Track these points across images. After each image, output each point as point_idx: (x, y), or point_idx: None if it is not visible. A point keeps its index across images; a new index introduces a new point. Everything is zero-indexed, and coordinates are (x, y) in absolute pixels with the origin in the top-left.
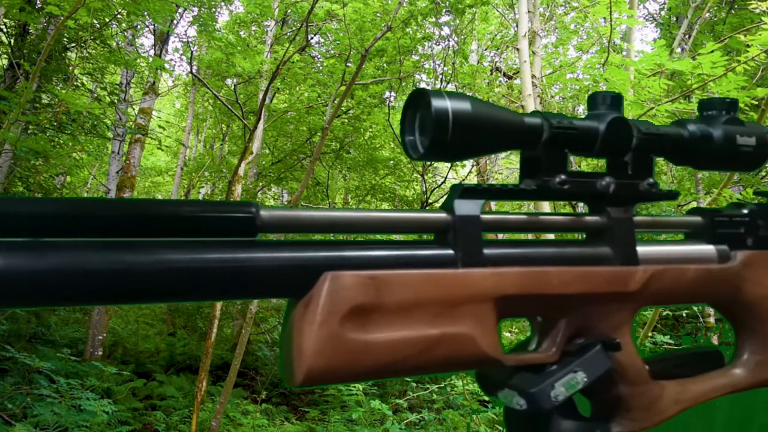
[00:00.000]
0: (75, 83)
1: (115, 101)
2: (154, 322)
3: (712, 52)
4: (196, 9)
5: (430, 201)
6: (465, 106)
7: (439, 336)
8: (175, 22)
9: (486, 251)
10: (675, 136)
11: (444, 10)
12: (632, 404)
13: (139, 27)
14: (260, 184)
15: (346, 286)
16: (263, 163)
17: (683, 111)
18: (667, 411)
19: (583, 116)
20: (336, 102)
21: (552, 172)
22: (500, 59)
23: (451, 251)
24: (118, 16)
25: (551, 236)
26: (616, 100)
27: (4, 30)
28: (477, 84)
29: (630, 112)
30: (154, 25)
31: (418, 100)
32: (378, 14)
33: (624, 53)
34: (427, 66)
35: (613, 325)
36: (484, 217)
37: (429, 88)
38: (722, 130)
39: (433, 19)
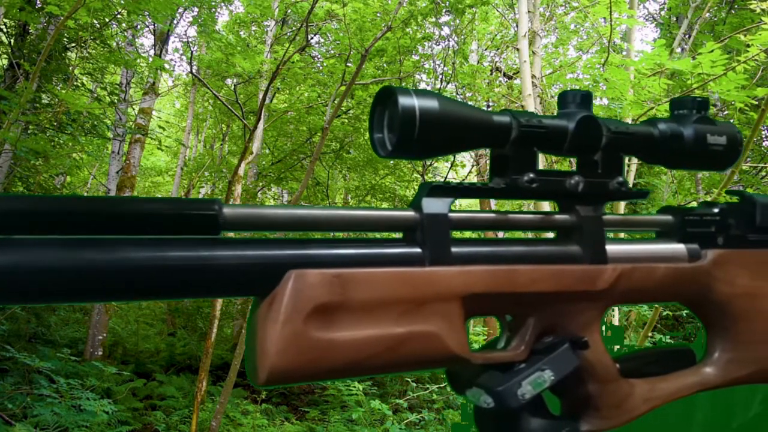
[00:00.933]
0: (75, 83)
1: (115, 101)
2: (154, 322)
3: (712, 51)
4: (196, 9)
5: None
6: (432, 103)
7: (405, 334)
8: (175, 22)
9: (454, 249)
10: (645, 135)
11: (444, 10)
12: (601, 402)
13: (139, 27)
14: (260, 184)
15: (310, 285)
16: (263, 163)
17: None
18: (637, 409)
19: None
20: (336, 102)
21: (520, 171)
22: (500, 59)
23: (418, 249)
24: (118, 16)
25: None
26: (586, 98)
27: (4, 30)
28: (477, 84)
29: (630, 112)
30: (154, 25)
31: (386, 97)
32: (378, 14)
33: (624, 53)
34: (427, 66)
35: (582, 323)
36: (453, 215)
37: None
38: (693, 129)
39: (433, 19)
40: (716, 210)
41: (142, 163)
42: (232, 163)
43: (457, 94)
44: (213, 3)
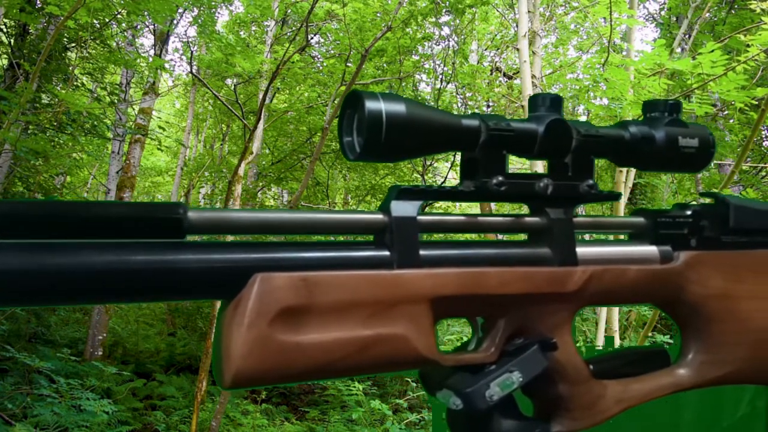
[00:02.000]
0: (75, 83)
1: (115, 101)
2: (154, 322)
3: (712, 51)
4: (196, 9)
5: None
6: (399, 107)
7: (373, 337)
8: (175, 22)
9: (423, 252)
10: (615, 137)
11: (444, 10)
12: (572, 404)
13: (139, 27)
14: (260, 184)
15: (276, 288)
16: (263, 163)
17: (683, 111)
18: (609, 410)
19: (523, 118)
20: (336, 102)
21: (490, 174)
22: (500, 59)
23: (387, 252)
24: (118, 16)
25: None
26: (555, 102)
27: (4, 30)
28: (477, 84)
29: (630, 112)
30: (154, 25)
31: (354, 102)
32: (378, 14)
33: (624, 53)
34: (427, 66)
35: (553, 325)
36: (422, 218)
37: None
38: (664, 131)
39: (433, 19)
40: (689, 212)
41: (142, 163)
42: (232, 163)
43: (457, 94)
44: (213, 3)
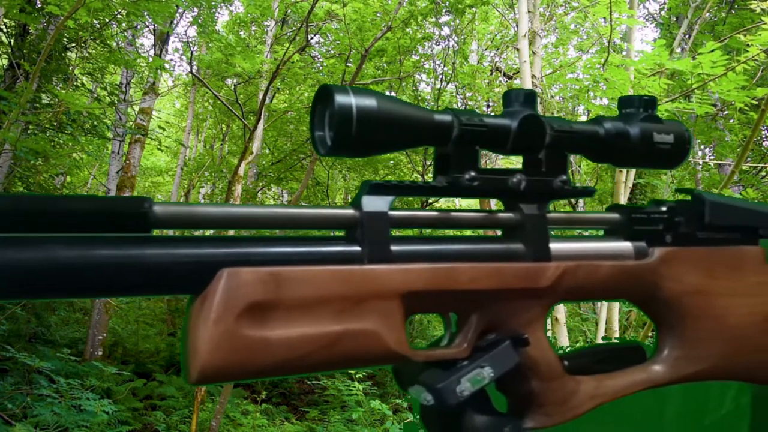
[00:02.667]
0: (75, 83)
1: (115, 101)
2: (154, 322)
3: (712, 51)
4: (196, 9)
5: (429, 201)
6: (370, 102)
7: (342, 332)
8: (175, 22)
9: (394, 247)
10: (590, 133)
11: (444, 10)
12: (545, 399)
13: (139, 27)
14: (260, 184)
15: (243, 283)
16: (263, 163)
17: (683, 111)
18: (583, 406)
19: (497, 114)
20: None
21: (462, 169)
22: (500, 59)
23: (357, 248)
24: (118, 16)
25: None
26: (529, 97)
27: (4, 30)
28: (477, 84)
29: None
30: (154, 25)
31: (325, 96)
32: (378, 14)
33: (624, 53)
34: (427, 66)
35: (526, 320)
36: (393, 213)
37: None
38: (639, 127)
39: (433, 19)
40: (664, 208)
41: (142, 163)
42: (232, 163)
43: (457, 94)
44: (213, 3)
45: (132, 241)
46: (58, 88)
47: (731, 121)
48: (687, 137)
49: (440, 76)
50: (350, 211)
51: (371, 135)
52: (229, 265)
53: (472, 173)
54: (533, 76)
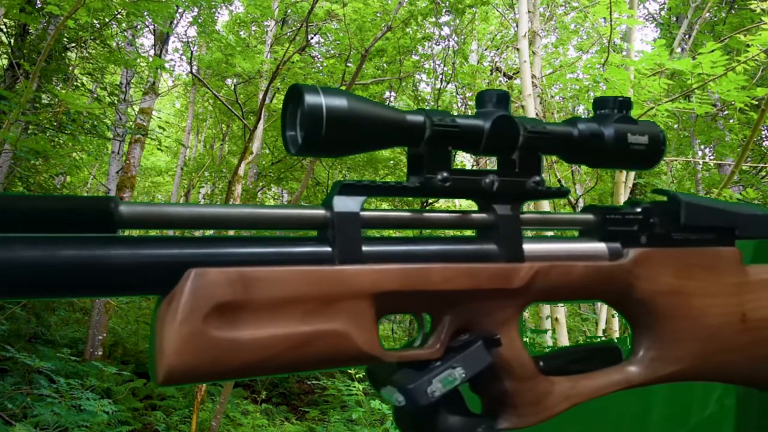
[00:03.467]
0: (75, 83)
1: (115, 101)
2: None
3: (712, 51)
4: (196, 9)
5: (429, 201)
6: (340, 102)
7: (312, 333)
8: (175, 22)
9: (365, 248)
10: (563, 134)
11: (444, 10)
12: (519, 400)
13: (139, 27)
14: (260, 184)
15: (211, 283)
16: (263, 163)
17: (683, 111)
18: (557, 407)
19: (471, 114)
20: None
21: (434, 170)
22: (500, 59)
23: (328, 248)
24: (118, 16)
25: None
26: (502, 98)
27: (4, 30)
28: (477, 84)
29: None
30: (154, 25)
31: (295, 96)
32: (378, 14)
33: (624, 53)
34: (427, 66)
35: (499, 321)
36: (365, 213)
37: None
38: (613, 128)
39: (433, 19)
40: (639, 209)
41: (142, 163)
42: (232, 163)
43: (457, 94)
44: (213, 3)
45: (97, 242)
46: (58, 88)
47: (731, 121)
48: (661, 138)
49: (440, 76)
50: (321, 212)
51: (341, 135)
52: (196, 265)
53: (445, 174)
54: (533, 76)
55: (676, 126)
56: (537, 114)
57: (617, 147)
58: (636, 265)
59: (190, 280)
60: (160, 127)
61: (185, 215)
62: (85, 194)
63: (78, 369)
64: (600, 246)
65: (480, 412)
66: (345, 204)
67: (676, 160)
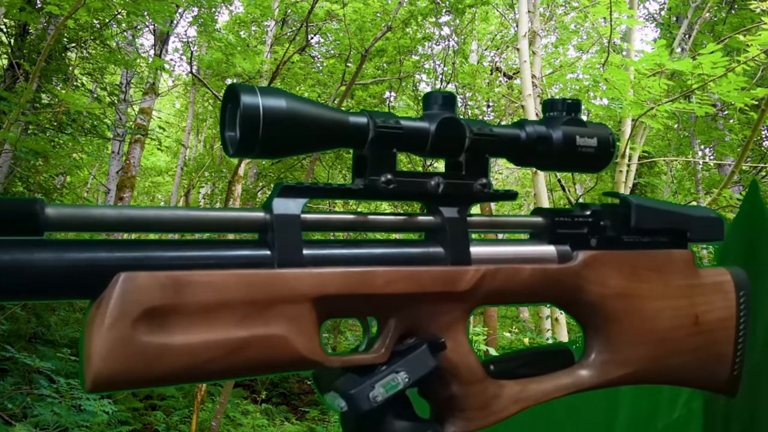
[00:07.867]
0: (75, 83)
1: (115, 101)
2: None
3: (712, 52)
4: (196, 9)
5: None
6: (279, 103)
7: (248, 338)
8: (175, 22)
9: (306, 251)
10: (510, 137)
11: (444, 10)
12: (466, 404)
13: (139, 27)
14: (260, 184)
15: (140, 287)
16: (263, 163)
17: (683, 111)
18: (505, 410)
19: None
20: (336, 102)
21: (378, 172)
22: (500, 59)
23: (267, 251)
24: (118, 16)
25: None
26: (448, 100)
27: (4, 30)
28: (477, 84)
29: (630, 112)
30: (154, 25)
31: (232, 96)
32: (378, 14)
33: (624, 53)
34: (427, 66)
35: (445, 324)
36: (306, 216)
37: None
38: (561, 131)
39: (433, 19)
40: (588, 212)
41: (142, 163)
42: (232, 163)
43: (457, 94)
44: (213, 3)
45: (21, 245)
46: (58, 88)
47: (731, 121)
48: (611, 141)
49: (440, 76)
50: (260, 214)
51: (279, 137)
52: (126, 269)
53: (389, 176)
54: (533, 76)
55: (676, 126)
56: (537, 114)
57: (565, 150)
58: (585, 268)
59: (119, 284)
60: (160, 127)
61: (113, 218)
62: (85, 194)
63: (78, 369)
64: (548, 249)
65: (428, 417)
66: (286, 206)
67: (676, 160)
